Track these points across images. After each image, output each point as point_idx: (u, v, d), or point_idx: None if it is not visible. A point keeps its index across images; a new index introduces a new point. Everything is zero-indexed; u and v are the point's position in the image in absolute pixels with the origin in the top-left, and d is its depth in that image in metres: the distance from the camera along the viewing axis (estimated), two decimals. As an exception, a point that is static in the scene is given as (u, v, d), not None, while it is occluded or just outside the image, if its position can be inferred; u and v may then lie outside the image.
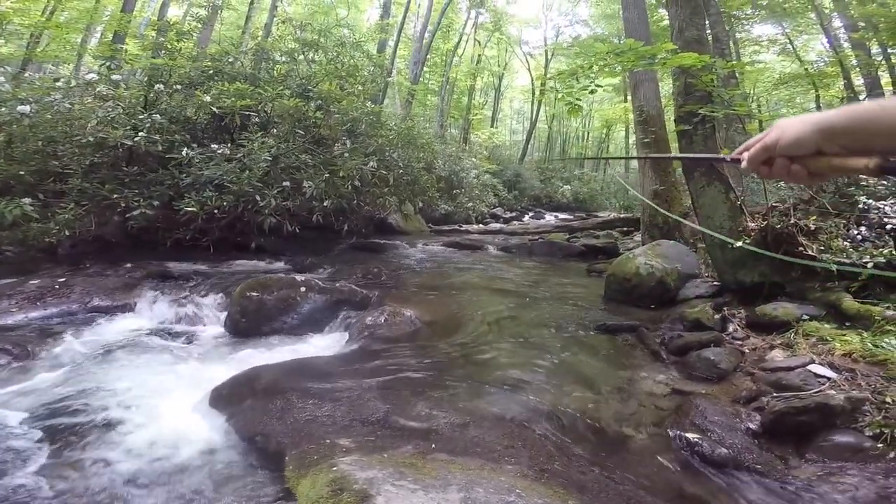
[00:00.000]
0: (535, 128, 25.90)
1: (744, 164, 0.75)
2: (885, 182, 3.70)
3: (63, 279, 4.07)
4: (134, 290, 4.08)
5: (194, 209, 4.73)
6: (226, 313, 3.74)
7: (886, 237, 3.29)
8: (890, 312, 2.94)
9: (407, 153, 7.15)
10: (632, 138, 19.91)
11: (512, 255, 7.60)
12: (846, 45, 10.57)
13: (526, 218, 15.38)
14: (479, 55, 24.68)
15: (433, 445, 1.95)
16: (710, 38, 5.99)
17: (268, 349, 3.30)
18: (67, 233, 4.53)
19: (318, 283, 4.05)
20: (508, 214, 14.98)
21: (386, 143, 6.78)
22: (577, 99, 4.15)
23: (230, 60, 6.91)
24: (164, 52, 6.33)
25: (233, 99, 5.55)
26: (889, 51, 9.16)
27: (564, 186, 20.57)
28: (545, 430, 2.18)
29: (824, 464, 1.99)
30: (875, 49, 9.53)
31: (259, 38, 8.61)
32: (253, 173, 5.04)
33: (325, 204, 5.55)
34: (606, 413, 2.40)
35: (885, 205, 3.42)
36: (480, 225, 11.66)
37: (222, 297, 3.98)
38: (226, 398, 2.40)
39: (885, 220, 3.32)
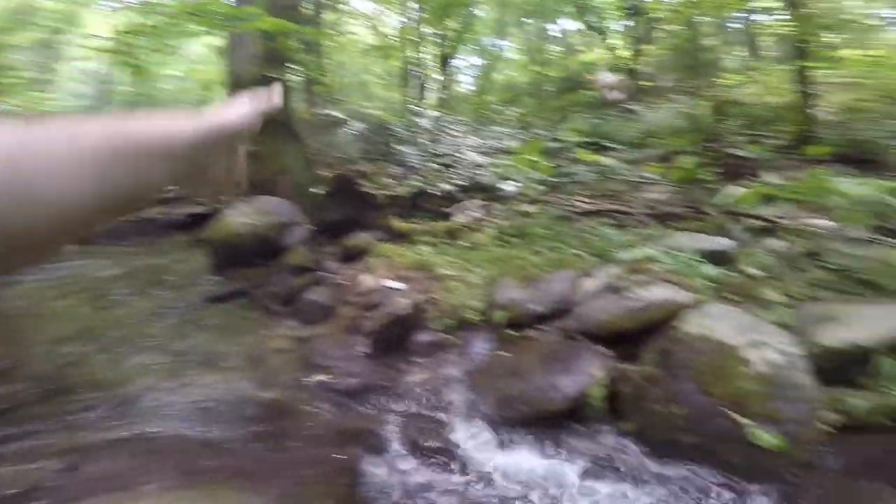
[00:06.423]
0: (109, 90, 19.69)
1: None
2: (404, 131, 4.97)
3: None
4: None
5: None
6: None
7: (412, 173, 4.53)
8: (419, 227, 4.08)
9: None
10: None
11: (86, 249, 5.89)
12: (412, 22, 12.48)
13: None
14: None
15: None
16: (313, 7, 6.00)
17: None
18: None
19: None
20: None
21: None
22: (143, 59, 3.51)
23: None
24: None
25: None
26: (435, 31, 11.39)
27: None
28: (183, 428, 2.02)
29: (425, 362, 2.46)
30: (428, 30, 11.68)
31: None
32: None
33: None
34: (243, 384, 2.40)
35: (405, 148, 4.65)
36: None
37: None
38: None
39: (407, 160, 4.54)
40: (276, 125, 4.18)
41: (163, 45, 3.75)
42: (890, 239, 2.73)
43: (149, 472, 1.69)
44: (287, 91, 4.24)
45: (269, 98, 0.53)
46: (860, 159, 4.46)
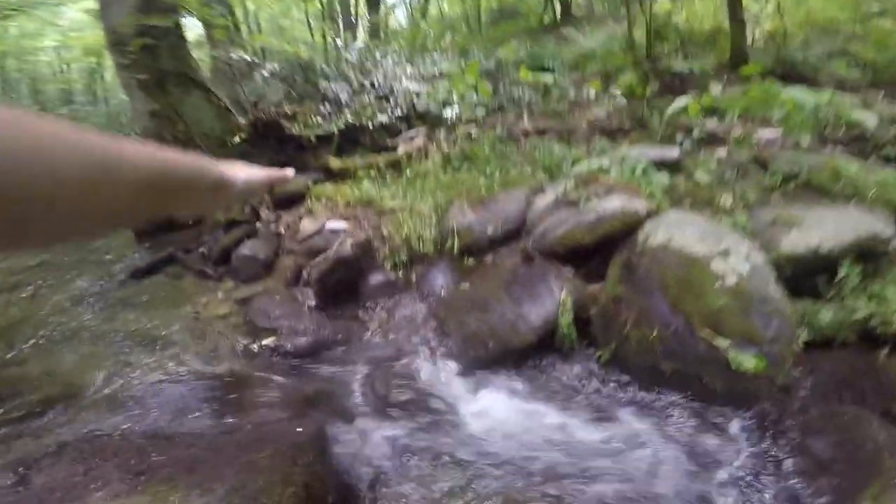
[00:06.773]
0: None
1: None
2: (330, 68, 4.48)
3: None
4: None
5: None
6: None
7: (343, 108, 4.10)
8: (360, 161, 3.74)
9: None
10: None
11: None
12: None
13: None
14: None
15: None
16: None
17: None
18: None
19: None
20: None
21: None
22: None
23: None
24: None
25: None
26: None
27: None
28: (129, 422, 1.78)
29: (381, 306, 2.25)
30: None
31: None
32: None
33: None
34: (189, 361, 2.13)
35: (333, 84, 4.19)
36: None
37: None
38: None
39: (337, 95, 4.10)
40: (173, 75, 3.66)
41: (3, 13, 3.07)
42: (832, 146, 2.77)
43: (99, 477, 1.48)
44: (182, 40, 3.73)
45: (282, 175, 0.58)
46: (790, 76, 4.54)
